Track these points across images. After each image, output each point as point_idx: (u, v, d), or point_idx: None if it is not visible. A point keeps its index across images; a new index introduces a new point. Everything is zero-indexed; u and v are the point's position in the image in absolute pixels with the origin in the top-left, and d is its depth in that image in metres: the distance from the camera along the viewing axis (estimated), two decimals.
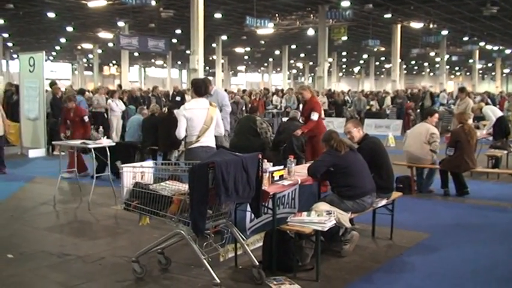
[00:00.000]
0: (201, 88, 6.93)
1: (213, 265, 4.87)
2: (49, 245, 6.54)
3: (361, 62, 67.21)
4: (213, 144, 6.88)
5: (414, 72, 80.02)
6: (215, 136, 7.01)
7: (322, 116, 10.09)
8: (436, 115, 9.79)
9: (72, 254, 6.05)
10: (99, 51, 48.54)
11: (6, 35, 41.00)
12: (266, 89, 30.89)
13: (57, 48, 51.07)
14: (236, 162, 4.78)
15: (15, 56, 51.36)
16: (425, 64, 65.75)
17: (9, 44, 47.45)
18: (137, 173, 5.44)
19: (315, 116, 9.40)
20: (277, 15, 32.72)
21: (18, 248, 6.30)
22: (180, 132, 6.81)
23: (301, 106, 15.07)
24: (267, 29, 30.55)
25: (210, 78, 49.96)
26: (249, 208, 5.33)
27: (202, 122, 6.72)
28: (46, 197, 9.01)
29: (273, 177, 5.39)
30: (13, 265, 5.76)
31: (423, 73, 72.53)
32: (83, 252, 6.11)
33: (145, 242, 6.02)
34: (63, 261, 5.87)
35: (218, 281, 4.71)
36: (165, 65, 63.11)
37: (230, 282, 5.19)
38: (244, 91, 26.83)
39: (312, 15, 32.47)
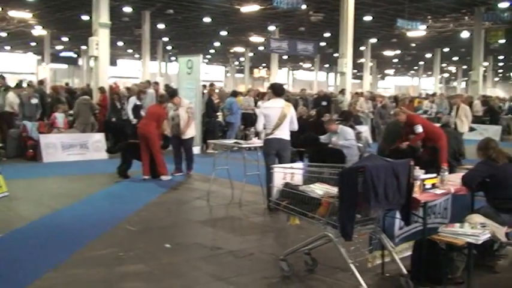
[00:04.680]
0: (278, 90, 8.43)
1: (359, 270, 4.85)
2: (202, 237, 6.94)
3: None
4: (286, 137, 8.20)
5: None
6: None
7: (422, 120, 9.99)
8: None
9: (224, 248, 6.36)
10: (250, 54, 50.16)
11: (166, 39, 43.81)
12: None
13: (212, 51, 53.51)
14: (387, 168, 4.73)
15: (173, 58, 54.74)
16: None
17: (168, 48, 50.61)
18: (287, 173, 5.59)
19: (419, 129, 9.46)
20: (429, 17, 31.61)
21: (174, 239, 6.76)
22: (258, 126, 8.33)
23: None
24: (418, 31, 29.60)
25: (358, 81, 49.68)
26: (398, 215, 5.25)
27: (277, 118, 8.03)
28: (200, 192, 9.57)
29: (424, 185, 5.26)
30: (170, 254, 6.19)
31: None
32: (234, 247, 6.40)
33: (292, 241, 6.18)
34: (215, 254, 6.20)
35: (365, 285, 4.69)
36: (312, 68, 63.54)
37: None
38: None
39: (466, 17, 30.94)
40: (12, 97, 14.26)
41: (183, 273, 5.61)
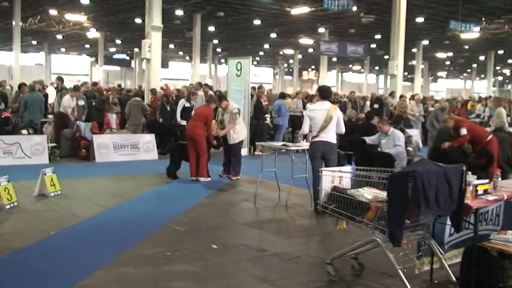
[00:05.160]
0: (325, 93, 8.43)
1: (407, 277, 4.77)
2: (249, 239, 6.97)
3: None
4: (331, 140, 8.09)
5: None
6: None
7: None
8: None
9: (270, 250, 6.36)
10: (300, 56, 50.12)
11: (216, 41, 44.27)
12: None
13: (261, 53, 53.73)
14: (438, 173, 4.63)
15: (222, 60, 55.26)
16: None
17: (218, 50, 51.11)
18: (335, 177, 5.55)
19: (463, 131, 9.58)
20: (483, 18, 30.85)
21: (221, 240, 6.81)
22: (304, 129, 8.44)
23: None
24: (472, 33, 28.97)
25: (409, 84, 48.91)
26: (448, 221, 5.13)
27: (322, 121, 7.96)
28: (248, 194, 9.62)
29: (476, 190, 5.12)
30: (217, 255, 6.23)
31: None
32: (280, 250, 6.39)
33: (338, 245, 6.13)
34: (262, 256, 6.21)
35: None
36: (362, 70, 62.97)
37: None
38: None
39: None
40: (67, 101, 14.48)
41: (229, 274, 5.63)
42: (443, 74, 73.87)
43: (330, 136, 8.08)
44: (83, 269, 5.57)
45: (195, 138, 10.74)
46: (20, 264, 5.74)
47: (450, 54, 48.53)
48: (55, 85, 17.38)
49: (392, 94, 21.61)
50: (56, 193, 9.04)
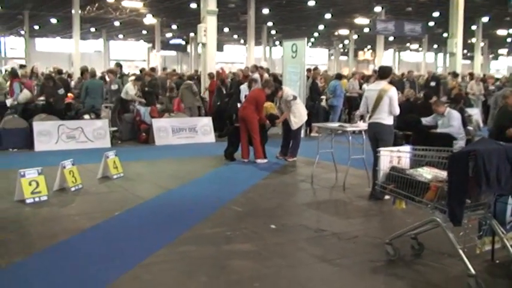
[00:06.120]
0: (383, 73, 8.25)
1: (468, 256, 4.72)
2: (307, 219, 7.02)
3: None
4: (383, 121, 7.82)
5: None
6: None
7: None
8: None
9: (328, 230, 6.41)
10: (355, 36, 49.42)
11: (270, 24, 44.16)
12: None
13: (316, 34, 53.27)
14: (499, 152, 4.56)
15: (277, 43, 55.12)
16: None
17: (272, 32, 50.98)
18: (394, 157, 5.53)
19: None
20: None
21: (280, 220, 6.90)
22: (360, 109, 8.50)
23: None
24: None
25: (468, 62, 47.50)
26: (510, 201, 5.05)
27: (374, 101, 7.84)
28: (304, 175, 9.68)
29: None
30: (276, 235, 6.33)
31: None
32: (338, 230, 6.43)
33: (397, 225, 6.12)
34: (320, 236, 6.26)
35: (473, 272, 4.57)
36: (420, 48, 61.50)
37: (485, 275, 4.99)
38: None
39: None
40: (130, 89, 14.81)
41: (288, 253, 5.72)
42: (504, 51, 71.24)
43: (381, 117, 7.83)
44: (147, 247, 5.77)
45: (247, 119, 10.87)
46: (87, 244, 5.99)
47: (511, 31, 46.77)
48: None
49: (453, 74, 21.09)
50: (118, 175, 9.35)
